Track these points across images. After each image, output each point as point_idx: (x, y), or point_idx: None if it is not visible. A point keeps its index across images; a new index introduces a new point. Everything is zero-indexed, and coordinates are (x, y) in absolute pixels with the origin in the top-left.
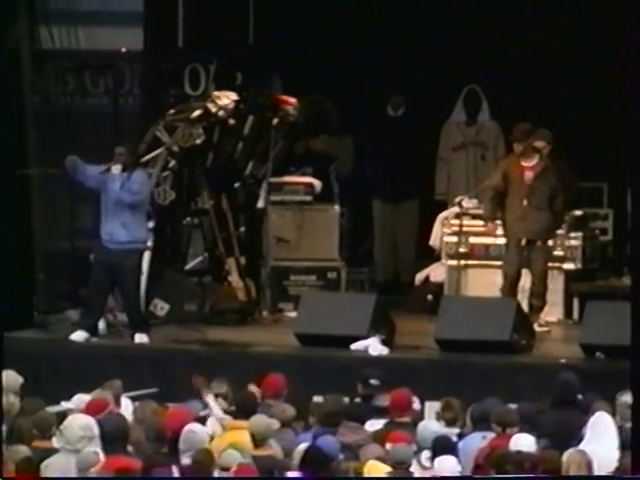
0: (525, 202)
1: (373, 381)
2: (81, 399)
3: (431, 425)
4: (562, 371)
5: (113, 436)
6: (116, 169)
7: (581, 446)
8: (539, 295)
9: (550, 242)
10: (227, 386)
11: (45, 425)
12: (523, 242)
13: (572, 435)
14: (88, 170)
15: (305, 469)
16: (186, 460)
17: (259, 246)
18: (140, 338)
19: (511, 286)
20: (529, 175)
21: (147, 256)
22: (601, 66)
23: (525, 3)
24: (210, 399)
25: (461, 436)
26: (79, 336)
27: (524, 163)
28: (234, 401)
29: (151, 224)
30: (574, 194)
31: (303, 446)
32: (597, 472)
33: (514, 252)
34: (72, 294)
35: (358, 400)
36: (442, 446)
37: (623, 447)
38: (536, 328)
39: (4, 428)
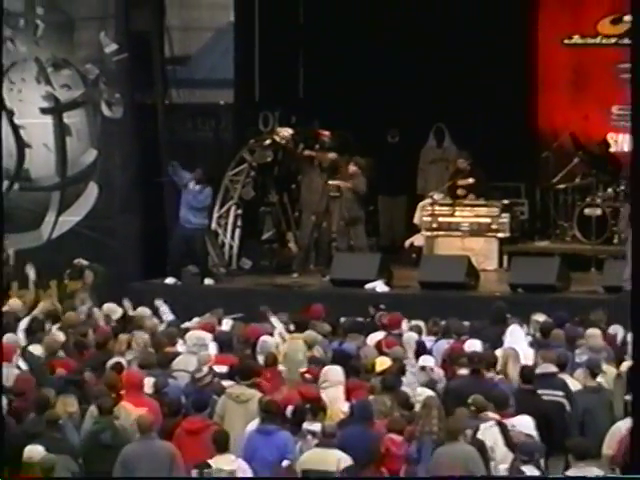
0: None
1: (382, 306)
2: (196, 320)
3: (413, 335)
4: (497, 301)
5: (223, 344)
6: (192, 184)
7: (504, 345)
8: None
9: (489, 220)
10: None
11: (171, 337)
12: None
13: (503, 341)
14: (180, 173)
15: (338, 363)
16: (260, 358)
17: None
18: (208, 281)
19: None
20: None
21: (238, 232)
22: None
23: (470, 76)
24: (275, 321)
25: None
26: (170, 280)
27: None
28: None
29: (240, 211)
30: (485, 189)
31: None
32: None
33: None
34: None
35: (363, 319)
36: (421, 348)
37: (531, 346)
38: None
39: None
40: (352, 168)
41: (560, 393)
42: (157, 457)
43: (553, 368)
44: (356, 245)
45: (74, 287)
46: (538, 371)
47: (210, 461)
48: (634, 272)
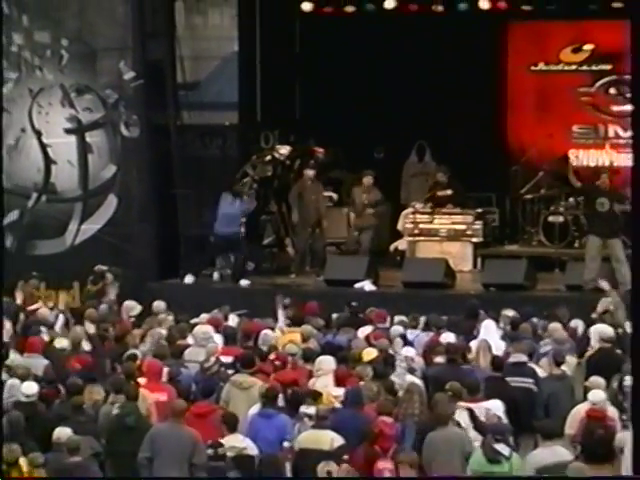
0: None
1: (354, 303)
2: (204, 316)
3: (397, 328)
4: (471, 298)
5: (229, 337)
6: (229, 196)
7: (479, 337)
8: None
9: (464, 227)
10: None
11: (181, 331)
12: None
13: (475, 334)
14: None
15: (329, 353)
16: (264, 348)
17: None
18: (244, 282)
19: None
20: None
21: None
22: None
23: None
24: (280, 315)
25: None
26: (189, 279)
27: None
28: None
29: (244, 219)
30: (462, 199)
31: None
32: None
33: None
34: (206, 259)
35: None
36: (404, 340)
37: (503, 338)
38: None
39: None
40: (368, 180)
41: (530, 380)
42: (182, 440)
43: (524, 358)
44: (362, 250)
45: (95, 289)
46: (511, 360)
47: (222, 440)
48: (634, 272)
